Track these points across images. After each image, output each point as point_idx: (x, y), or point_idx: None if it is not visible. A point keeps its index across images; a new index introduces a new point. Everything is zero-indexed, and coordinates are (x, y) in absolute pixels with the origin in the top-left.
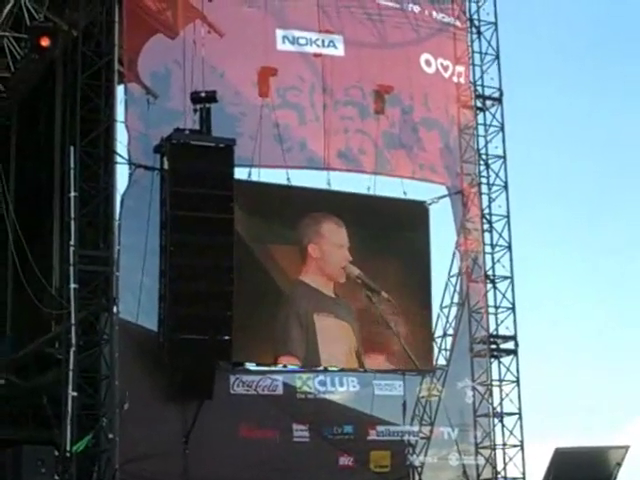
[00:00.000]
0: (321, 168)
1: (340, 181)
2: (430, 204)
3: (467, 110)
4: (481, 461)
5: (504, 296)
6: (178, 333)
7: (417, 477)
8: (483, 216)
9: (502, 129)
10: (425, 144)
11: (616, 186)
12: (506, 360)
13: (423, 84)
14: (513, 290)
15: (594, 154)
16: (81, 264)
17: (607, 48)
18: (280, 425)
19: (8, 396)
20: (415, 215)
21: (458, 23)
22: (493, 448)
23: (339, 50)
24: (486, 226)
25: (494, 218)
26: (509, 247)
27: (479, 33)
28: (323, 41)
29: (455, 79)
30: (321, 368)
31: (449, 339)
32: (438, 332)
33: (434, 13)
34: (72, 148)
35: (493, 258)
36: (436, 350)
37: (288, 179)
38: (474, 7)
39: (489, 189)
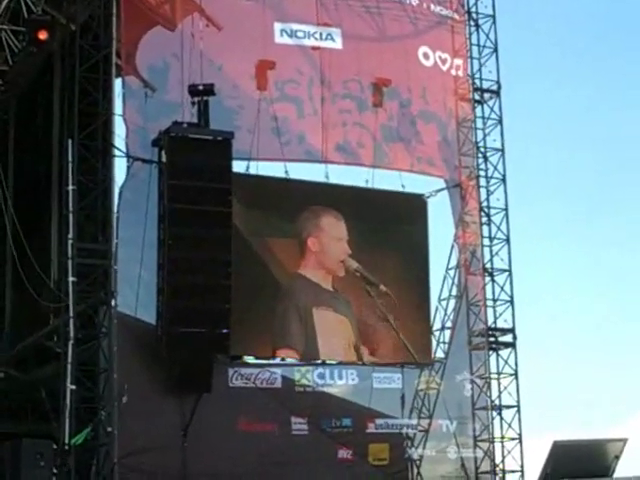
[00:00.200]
0: (319, 161)
1: (338, 174)
2: (428, 197)
3: (465, 103)
4: (479, 454)
5: (502, 289)
6: (176, 326)
7: (415, 470)
8: (481, 209)
9: (500, 122)
10: (423, 137)
11: (615, 179)
12: (504, 353)
13: (421, 77)
14: (511, 283)
15: (593, 147)
16: (79, 257)
17: (606, 41)
18: (279, 418)
19: (7, 390)
20: (413, 208)
21: (456, 16)
22: (491, 441)
23: (337, 43)
24: (484, 219)
25: (492, 211)
26: (507, 240)
27: (477, 26)
28: (321, 34)
29: (453, 72)
30: (319, 361)
31: (447, 332)
32: (436, 325)
33: (432, 6)
34: (70, 141)
35: (491, 251)
36: (434, 343)
37: (286, 172)
38: (472, 0)
39: (487, 182)
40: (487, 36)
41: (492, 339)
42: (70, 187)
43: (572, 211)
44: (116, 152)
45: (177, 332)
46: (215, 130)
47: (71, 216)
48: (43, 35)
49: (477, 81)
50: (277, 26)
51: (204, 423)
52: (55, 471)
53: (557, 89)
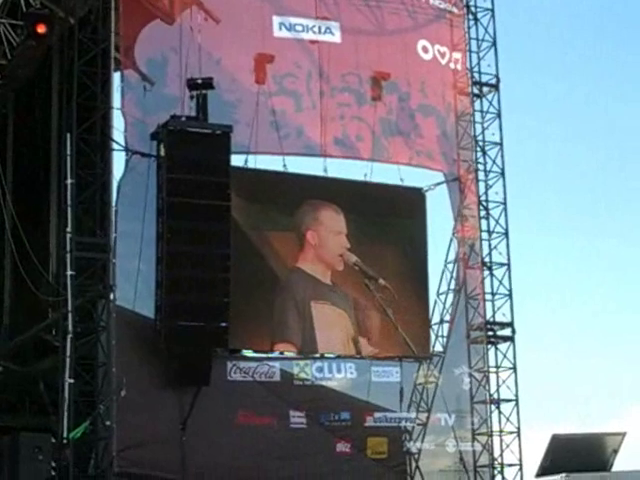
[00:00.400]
0: (318, 155)
1: (337, 168)
2: (427, 191)
3: (464, 97)
4: (478, 447)
5: (501, 283)
6: (175, 320)
7: (414, 464)
8: (480, 203)
9: (499, 116)
10: (422, 131)
11: (613, 173)
12: (503, 347)
13: (420, 71)
14: (510, 277)
15: (591, 141)
16: (78, 251)
17: (604, 36)
18: (277, 412)
19: (5, 383)
20: (412, 202)
21: (455, 10)
22: (490, 435)
23: (336, 37)
24: (483, 213)
25: (491, 205)
26: (506, 234)
27: (476, 20)
28: (320, 28)
29: (452, 66)
30: (318, 355)
31: (446, 326)
32: (435, 319)
33: (431, 0)
34: (69, 135)
35: (490, 245)
36: (433, 337)
37: (284, 166)
38: None
39: (486, 176)
40: (486, 30)
41: (491, 333)
42: (69, 181)
43: (570, 205)
44: (115, 146)
45: (176, 326)
46: (214, 124)
47: (70, 210)
48: (42, 29)
49: (476, 75)
50: (276, 20)
51: (203, 417)
52: (53, 465)
53: (555, 83)
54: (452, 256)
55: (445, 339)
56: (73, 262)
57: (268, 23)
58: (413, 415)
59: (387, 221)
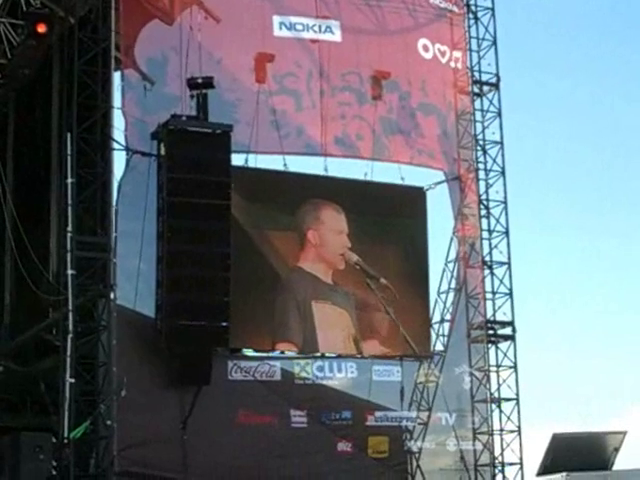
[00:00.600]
0: (318, 154)
1: (337, 167)
2: (427, 190)
3: (464, 96)
4: (479, 446)
5: (501, 282)
6: (175, 319)
7: (415, 463)
8: (480, 202)
9: (499, 115)
10: (423, 130)
11: (614, 171)
12: (504, 346)
13: (421, 70)
14: (510, 276)
15: (591, 140)
16: (78, 250)
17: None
18: (278, 411)
19: (6, 383)
20: (413, 201)
21: (455, 8)
22: (491, 434)
23: (336, 36)
24: (483, 212)
25: (491, 204)
26: (506, 233)
27: (476, 19)
28: (320, 27)
29: (452, 64)
30: (319, 354)
31: (447, 325)
32: (436, 318)
33: None
34: (69, 134)
35: (490, 244)
36: (434, 336)
37: (285, 165)
38: None
39: (486, 175)
40: (486, 29)
41: (491, 332)
42: (69, 180)
43: (571, 204)
44: (115, 145)
45: (176, 325)
46: (214, 123)
47: (70, 209)
48: (42, 28)
49: (476, 74)
50: (276, 19)
51: (203, 416)
52: (54, 464)
53: (556, 81)
54: (453, 255)
55: (446, 338)
56: (74, 261)
57: (268, 22)
58: (414, 414)
59: (388, 220)
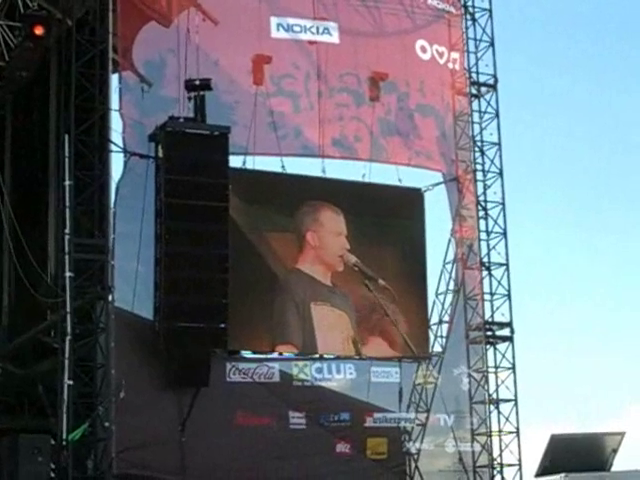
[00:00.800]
0: (316, 156)
1: (335, 169)
2: (425, 191)
3: (462, 97)
4: (477, 448)
5: (499, 283)
6: (174, 321)
7: (413, 464)
8: (478, 203)
9: (497, 116)
10: (421, 131)
11: (612, 172)
12: (502, 347)
13: (419, 71)
14: (509, 277)
15: (589, 140)
16: (76, 252)
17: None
18: (276, 413)
19: (4, 385)
20: (411, 202)
21: (453, 10)
22: (489, 435)
23: (334, 37)
24: (481, 213)
25: (489, 205)
26: (504, 234)
27: (474, 20)
28: (318, 28)
29: (450, 65)
30: (317, 356)
31: (445, 326)
32: (434, 319)
33: (429, 0)
34: (67, 136)
35: (488, 245)
36: (432, 337)
37: (283, 167)
38: None
39: (484, 176)
40: (484, 30)
41: (489, 333)
42: (67, 182)
43: (569, 204)
44: (113, 147)
45: (174, 327)
46: (212, 125)
47: (68, 211)
48: (39, 30)
49: (474, 75)
50: (273, 20)
51: (202, 418)
52: (53, 466)
53: (553, 83)
54: (451, 256)
55: (444, 339)
56: (72, 263)
57: (266, 24)
58: (412, 415)
59: (386, 222)
